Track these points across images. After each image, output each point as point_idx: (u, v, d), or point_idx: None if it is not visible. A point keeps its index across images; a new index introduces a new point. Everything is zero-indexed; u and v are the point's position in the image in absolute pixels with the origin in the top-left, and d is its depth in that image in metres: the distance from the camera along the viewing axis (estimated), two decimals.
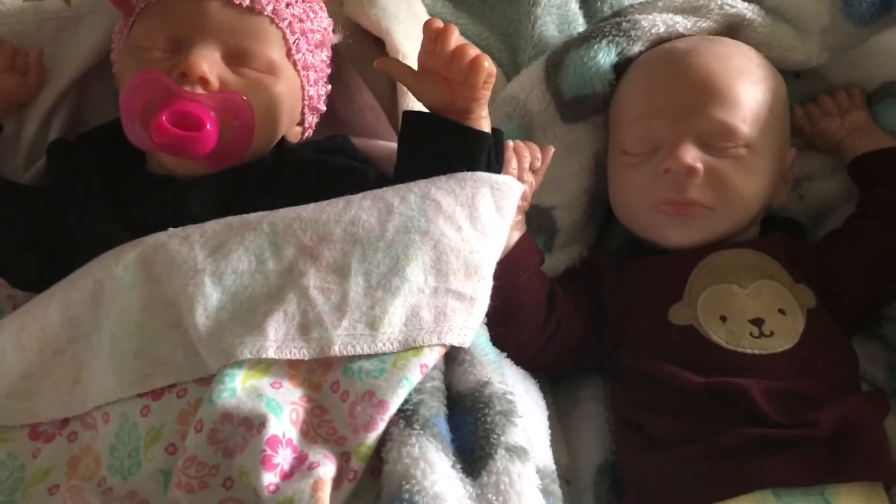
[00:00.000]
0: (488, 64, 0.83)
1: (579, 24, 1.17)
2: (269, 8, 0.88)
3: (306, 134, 0.99)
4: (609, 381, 0.98)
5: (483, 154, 0.86)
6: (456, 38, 0.83)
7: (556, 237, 1.03)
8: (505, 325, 0.89)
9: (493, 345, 0.89)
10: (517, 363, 0.91)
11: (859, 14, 1.01)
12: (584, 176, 1.04)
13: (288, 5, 0.90)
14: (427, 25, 0.84)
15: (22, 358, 0.80)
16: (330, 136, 1.00)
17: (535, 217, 1.01)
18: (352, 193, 0.84)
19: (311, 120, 0.98)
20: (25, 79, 0.98)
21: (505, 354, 0.90)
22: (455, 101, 0.85)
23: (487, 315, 0.87)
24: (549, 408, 0.95)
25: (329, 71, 0.99)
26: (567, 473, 0.90)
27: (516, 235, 0.94)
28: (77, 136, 0.98)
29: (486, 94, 0.85)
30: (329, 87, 0.99)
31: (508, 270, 0.90)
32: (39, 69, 0.98)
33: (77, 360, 0.80)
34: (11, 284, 0.92)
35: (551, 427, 0.93)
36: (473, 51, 0.83)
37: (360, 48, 1.04)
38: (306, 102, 0.95)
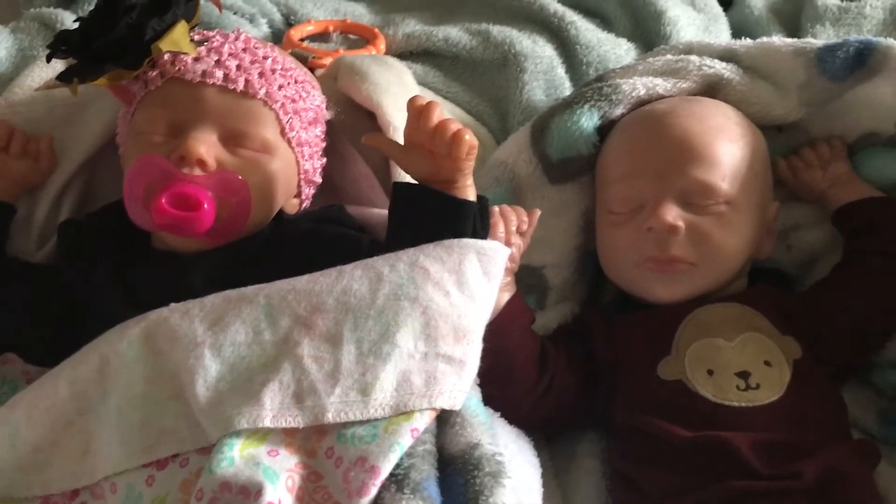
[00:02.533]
0: (469, 137, 0.87)
1: (566, 88, 1.21)
2: (262, 91, 0.92)
3: (304, 205, 1.03)
4: (604, 436, 1.00)
5: (469, 221, 0.89)
6: (438, 114, 0.88)
7: (547, 295, 1.06)
8: (497, 385, 0.91)
9: (487, 405, 0.91)
10: (511, 422, 0.93)
11: (833, 70, 1.04)
12: (573, 234, 1.07)
13: (280, 87, 0.95)
14: (411, 102, 0.88)
15: (34, 432, 0.84)
16: (326, 206, 1.04)
17: (526, 276, 1.04)
18: (347, 261, 0.87)
19: (308, 192, 1.02)
20: (37, 163, 1.03)
21: (499, 414, 0.92)
22: (440, 172, 0.89)
23: (480, 376, 0.90)
24: (545, 464, 0.97)
25: (324, 145, 1.03)
26: None
27: (506, 297, 0.97)
28: (85, 215, 1.03)
29: (470, 164, 0.89)
30: (324, 159, 1.03)
31: (499, 331, 0.92)
32: (50, 154, 1.04)
33: (86, 432, 0.84)
34: (25, 360, 0.96)
35: (548, 484, 0.94)
36: (455, 125, 0.87)
37: (354, 121, 1.08)
38: (302, 176, 0.99)
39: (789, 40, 1.11)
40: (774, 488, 0.82)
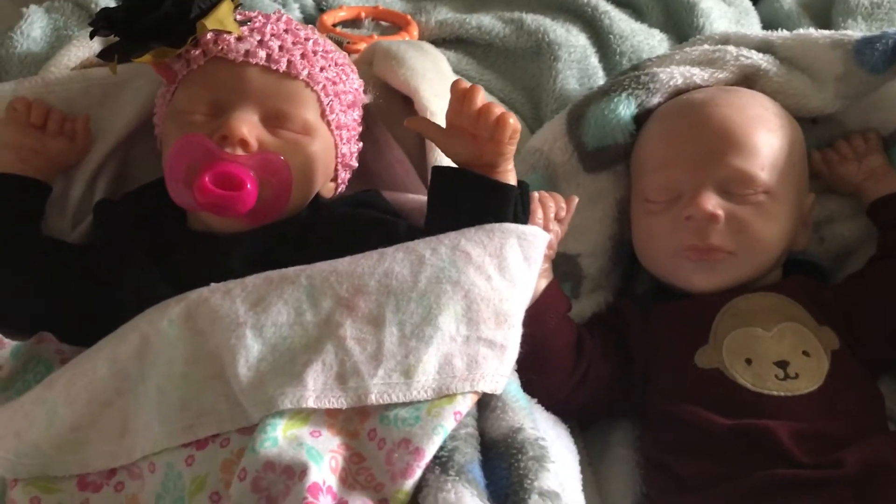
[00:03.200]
0: (513, 121, 0.87)
1: (599, 77, 1.21)
2: (305, 73, 0.92)
3: (339, 189, 1.03)
4: (638, 425, 0.99)
5: (510, 206, 0.89)
6: (482, 97, 0.87)
7: (582, 284, 1.06)
8: (535, 371, 0.91)
9: (524, 391, 0.91)
10: (548, 409, 0.93)
11: (872, 62, 1.04)
12: (608, 223, 1.07)
13: (322, 69, 0.94)
14: (454, 85, 0.88)
15: (72, 410, 0.83)
16: (362, 191, 1.03)
17: (562, 264, 1.04)
18: (383, 245, 0.87)
19: (344, 176, 1.02)
20: (73, 143, 1.03)
21: (536, 400, 0.92)
22: (482, 156, 0.89)
23: (518, 362, 0.90)
24: (580, 452, 0.97)
25: (360, 129, 1.03)
26: None
27: (543, 283, 0.96)
28: (121, 195, 1.03)
29: (512, 149, 0.89)
30: (361, 144, 1.03)
31: (537, 317, 0.93)
32: (86, 134, 1.03)
33: (125, 412, 0.83)
34: (60, 339, 0.95)
35: (582, 472, 0.94)
36: (499, 109, 0.87)
37: (390, 106, 1.08)
38: (339, 160, 0.99)
39: (827, 32, 1.11)
40: (816, 477, 0.82)
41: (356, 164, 1.03)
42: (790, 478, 0.82)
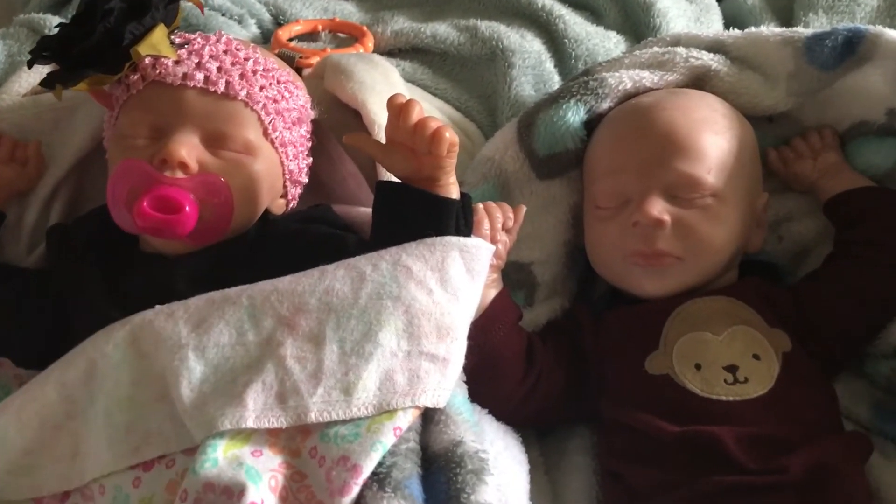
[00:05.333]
0: (449, 135, 0.87)
1: (554, 83, 1.21)
2: (243, 93, 0.93)
3: (291, 205, 1.03)
4: (595, 431, 0.99)
5: (451, 219, 0.89)
6: (418, 112, 0.87)
7: (536, 291, 1.05)
8: (484, 381, 0.92)
9: (475, 401, 0.91)
10: (499, 419, 0.93)
11: (822, 59, 1.03)
12: (561, 230, 1.07)
13: (262, 88, 0.95)
14: (391, 101, 0.88)
15: (23, 435, 0.84)
16: (312, 206, 1.04)
17: (514, 273, 1.04)
18: (333, 260, 0.87)
19: (294, 192, 1.03)
20: (25, 169, 1.04)
21: (486, 411, 0.93)
22: (422, 170, 0.89)
23: (467, 373, 0.90)
24: (535, 460, 0.97)
25: (310, 144, 1.04)
26: None
27: (493, 293, 0.96)
28: (74, 219, 1.04)
29: (452, 162, 0.89)
30: (311, 159, 1.04)
31: (485, 328, 0.93)
32: (38, 159, 1.05)
33: (75, 435, 0.84)
34: (16, 364, 0.97)
35: (538, 480, 0.95)
36: (435, 123, 0.87)
37: (341, 120, 1.08)
38: (287, 176, 1.00)
39: (777, 30, 1.10)
40: (761, 483, 0.81)
41: (306, 180, 1.04)
42: (735, 484, 0.82)
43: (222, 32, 0.98)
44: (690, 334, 0.94)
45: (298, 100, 1.01)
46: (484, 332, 0.92)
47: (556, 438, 1.02)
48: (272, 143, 0.96)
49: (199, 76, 0.91)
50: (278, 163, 0.98)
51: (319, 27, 1.33)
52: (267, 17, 1.36)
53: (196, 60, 0.92)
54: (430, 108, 1.18)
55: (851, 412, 0.99)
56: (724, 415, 0.88)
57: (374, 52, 1.28)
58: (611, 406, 0.94)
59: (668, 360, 0.93)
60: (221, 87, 0.92)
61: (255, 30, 1.33)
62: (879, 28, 1.02)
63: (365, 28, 1.31)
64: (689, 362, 0.92)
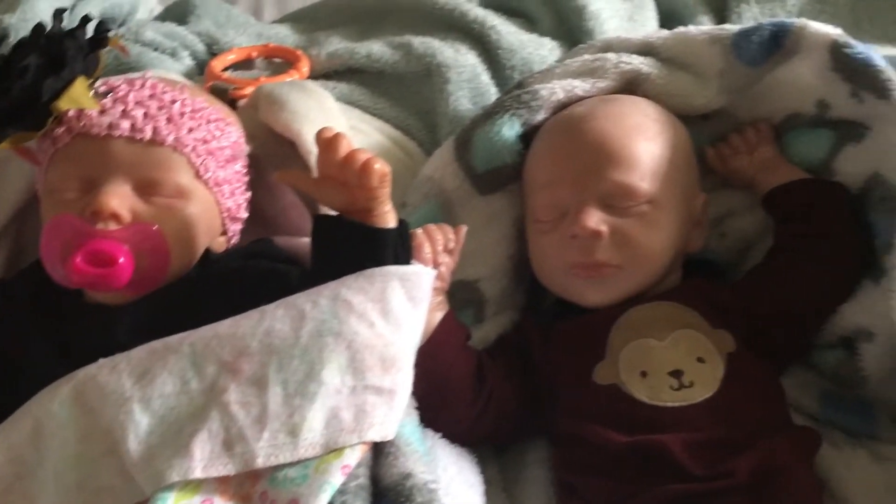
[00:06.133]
0: (379, 166, 0.87)
1: (491, 95, 1.21)
2: (171, 138, 0.92)
3: (233, 241, 1.03)
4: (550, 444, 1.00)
5: (388, 248, 0.89)
6: (346, 145, 0.87)
7: (485, 308, 1.06)
8: (435, 406, 0.92)
9: (427, 426, 0.92)
10: (454, 441, 0.94)
11: (749, 55, 1.04)
12: (506, 244, 1.07)
13: (191, 130, 0.94)
14: (318, 135, 0.88)
15: None
16: (254, 241, 1.03)
17: (461, 292, 1.04)
18: (277, 296, 0.87)
19: (235, 228, 1.02)
20: None
21: (440, 435, 0.93)
22: (356, 202, 0.89)
23: (417, 399, 0.91)
24: (493, 478, 0.98)
25: (247, 178, 1.03)
26: None
27: (438, 316, 0.96)
28: (15, 273, 1.03)
29: (385, 191, 0.89)
30: (249, 193, 1.03)
31: (432, 353, 0.93)
32: None
33: (27, 497, 0.84)
34: None
35: (496, 497, 0.95)
36: (363, 155, 0.87)
37: (278, 151, 1.08)
38: (225, 214, 0.99)
39: (705, 28, 1.10)
40: (708, 489, 0.82)
41: (246, 215, 1.03)
42: (684, 492, 0.83)
43: (148, 76, 0.97)
44: (635, 342, 0.94)
45: (230, 136, 1.00)
46: (431, 357, 0.92)
47: (515, 452, 1.02)
48: (206, 183, 0.95)
49: (125, 125, 0.91)
50: (214, 203, 0.97)
51: (254, 54, 1.33)
52: (201, 48, 1.35)
53: (121, 108, 0.92)
54: (368, 130, 1.18)
55: (801, 404, 1.00)
56: (672, 422, 0.88)
57: (310, 74, 1.27)
58: (562, 418, 0.95)
59: (614, 369, 0.93)
60: (148, 134, 0.91)
61: (189, 62, 1.32)
62: (804, 21, 1.03)
63: (300, 52, 1.30)
64: (635, 370, 0.92)
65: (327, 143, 0.87)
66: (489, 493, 0.95)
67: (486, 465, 0.99)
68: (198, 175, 0.95)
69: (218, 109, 1.01)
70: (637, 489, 0.85)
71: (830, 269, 0.99)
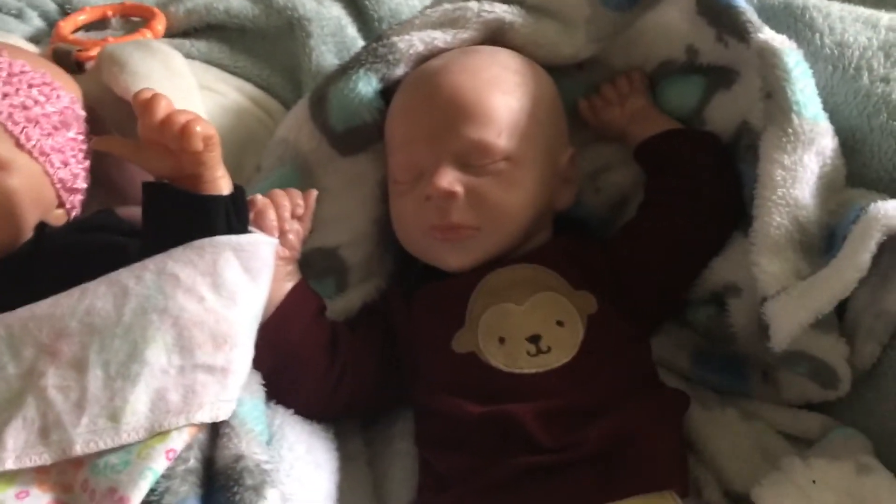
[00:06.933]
0: (201, 128, 0.81)
1: (358, 48, 1.13)
2: None
3: (73, 213, 0.97)
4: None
5: (219, 217, 0.84)
6: (164, 107, 0.81)
7: (348, 275, 1.00)
8: (285, 381, 0.88)
9: (278, 403, 0.88)
10: (308, 416, 0.89)
11: (616, 0, 0.98)
12: (370, 207, 1.01)
13: (6, 96, 0.87)
14: (135, 97, 0.82)
15: None
16: (95, 213, 0.97)
17: (321, 260, 0.98)
18: (114, 270, 0.82)
19: (73, 199, 0.96)
20: None
21: (292, 411, 0.88)
22: (183, 168, 0.83)
23: (265, 376, 0.86)
24: (357, 451, 0.94)
25: (85, 146, 0.96)
26: None
27: (287, 286, 0.91)
28: None
29: (213, 155, 0.83)
30: (88, 161, 0.96)
31: (279, 325, 0.88)
32: None
33: None
34: None
35: (357, 472, 0.92)
36: (184, 116, 0.81)
37: (123, 116, 1.01)
38: (59, 185, 0.93)
39: None
40: (557, 461, 0.78)
41: (85, 185, 0.97)
42: (533, 465, 0.79)
43: None
44: (494, 307, 0.89)
45: (59, 102, 0.93)
46: (279, 329, 0.88)
47: (383, 425, 0.98)
48: (29, 153, 0.89)
49: None
50: (41, 173, 0.91)
51: (109, 13, 1.24)
52: (52, 6, 1.26)
53: None
54: (225, 90, 1.11)
55: (674, 364, 0.97)
56: (527, 390, 0.84)
57: (169, 33, 1.20)
58: (420, 389, 0.91)
59: (473, 336, 0.89)
60: None
61: (38, 23, 1.23)
62: None
63: (156, 9, 1.22)
64: (493, 336, 0.88)
65: (144, 104, 0.81)
66: (352, 468, 0.91)
67: (350, 439, 0.95)
68: (19, 144, 0.88)
69: (43, 74, 0.93)
70: (488, 463, 0.81)
71: (700, 223, 0.95)
